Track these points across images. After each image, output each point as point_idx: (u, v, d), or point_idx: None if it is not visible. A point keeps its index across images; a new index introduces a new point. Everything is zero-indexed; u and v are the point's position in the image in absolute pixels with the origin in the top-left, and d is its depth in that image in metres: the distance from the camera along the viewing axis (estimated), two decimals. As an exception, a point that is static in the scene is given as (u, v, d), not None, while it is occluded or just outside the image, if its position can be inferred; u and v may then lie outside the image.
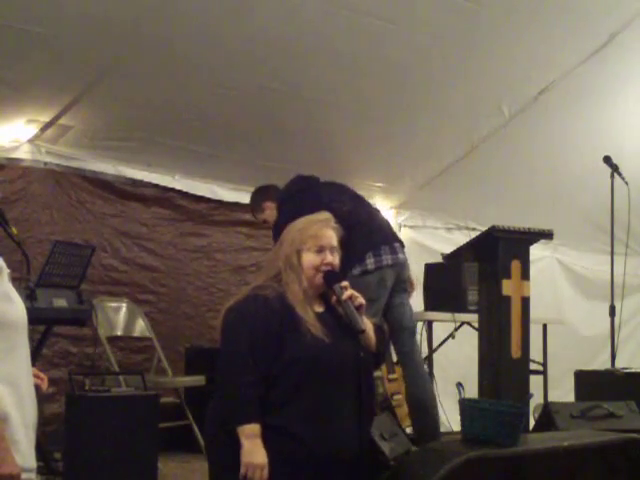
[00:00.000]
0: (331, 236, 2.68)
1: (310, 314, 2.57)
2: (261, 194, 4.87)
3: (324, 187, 4.28)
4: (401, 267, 4.26)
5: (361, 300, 2.62)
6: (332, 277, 2.63)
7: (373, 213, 4.41)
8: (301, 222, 2.71)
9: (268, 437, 2.46)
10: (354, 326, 2.56)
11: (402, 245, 4.33)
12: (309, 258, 2.62)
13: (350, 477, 2.57)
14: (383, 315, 4.27)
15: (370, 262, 4.15)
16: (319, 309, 2.65)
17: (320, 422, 2.48)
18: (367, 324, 2.66)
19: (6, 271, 2.15)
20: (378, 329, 2.77)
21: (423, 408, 4.19)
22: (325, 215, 2.77)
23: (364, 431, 2.62)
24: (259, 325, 2.52)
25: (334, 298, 2.63)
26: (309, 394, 2.49)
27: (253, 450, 2.43)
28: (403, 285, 4.29)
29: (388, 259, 4.19)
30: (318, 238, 2.65)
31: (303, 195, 3.98)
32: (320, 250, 2.64)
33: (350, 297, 2.60)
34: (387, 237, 4.27)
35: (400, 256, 4.25)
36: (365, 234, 4.18)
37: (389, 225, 4.46)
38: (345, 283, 2.62)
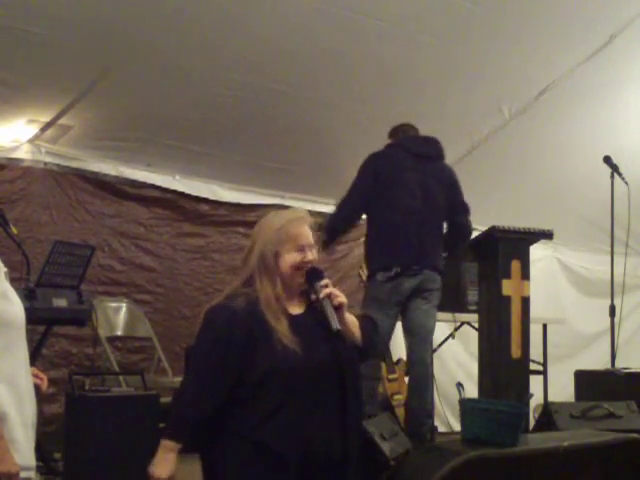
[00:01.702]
0: (309, 233, 2.57)
1: (282, 323, 2.47)
2: None
3: None
4: (424, 277, 4.24)
5: (341, 299, 2.50)
6: (313, 275, 2.53)
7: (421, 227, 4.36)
8: (278, 220, 2.58)
9: (248, 452, 2.41)
10: (330, 325, 2.45)
11: (438, 271, 4.29)
12: (288, 259, 2.51)
13: None
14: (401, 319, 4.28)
15: (395, 272, 4.16)
16: (298, 310, 2.56)
17: (302, 433, 2.41)
18: (348, 319, 2.55)
19: (3, 270, 2.15)
20: (366, 319, 2.66)
21: (416, 419, 4.17)
22: (301, 211, 2.66)
23: (349, 434, 2.51)
24: (222, 344, 2.43)
25: (313, 297, 2.53)
26: (286, 408, 2.40)
27: (160, 462, 2.43)
28: (424, 294, 4.26)
29: (411, 272, 4.19)
30: (298, 237, 2.53)
31: None
32: (300, 249, 2.53)
33: (329, 295, 2.49)
34: (420, 258, 4.23)
35: (427, 272, 4.23)
36: (402, 250, 4.19)
37: (432, 244, 4.35)
38: (325, 281, 2.52)
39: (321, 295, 2.49)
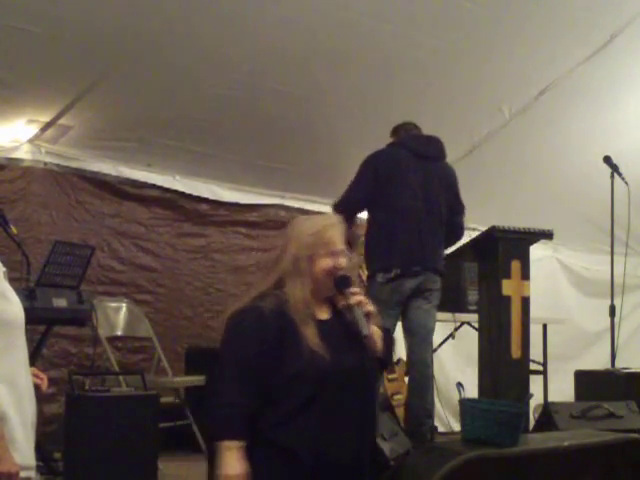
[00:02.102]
0: (342, 240, 2.61)
1: (311, 328, 2.49)
2: None
3: None
4: (425, 278, 4.24)
5: (370, 307, 2.56)
6: (343, 282, 2.57)
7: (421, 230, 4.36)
8: (313, 225, 2.61)
9: (268, 454, 2.42)
10: (360, 331, 2.51)
11: (438, 272, 4.29)
12: (322, 263, 2.55)
13: None
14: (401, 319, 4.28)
15: (394, 274, 4.15)
16: (325, 316, 2.59)
17: (321, 438, 2.43)
18: (373, 329, 2.59)
19: (2, 270, 2.15)
20: (386, 332, 2.70)
21: (416, 419, 4.17)
22: (335, 217, 2.70)
23: (366, 439, 2.56)
24: (255, 342, 2.44)
25: (343, 302, 2.57)
26: (310, 413, 2.43)
27: (229, 463, 2.37)
28: (425, 294, 4.26)
29: (411, 273, 4.18)
30: (332, 243, 2.57)
31: None
32: (333, 255, 2.57)
33: (359, 303, 2.54)
34: (421, 259, 4.22)
35: (427, 273, 4.23)
36: (402, 251, 4.19)
37: (433, 245, 4.34)
38: (356, 289, 2.57)
39: (352, 301, 2.54)
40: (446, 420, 6.27)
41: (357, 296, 2.55)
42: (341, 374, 2.47)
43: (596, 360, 6.45)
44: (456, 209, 4.44)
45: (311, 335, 2.47)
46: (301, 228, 2.62)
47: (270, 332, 2.45)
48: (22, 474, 2.00)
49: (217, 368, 2.52)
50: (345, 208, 4.26)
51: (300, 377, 2.43)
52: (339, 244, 2.59)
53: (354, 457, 2.50)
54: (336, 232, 2.60)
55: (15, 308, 2.13)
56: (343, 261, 2.58)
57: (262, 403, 2.44)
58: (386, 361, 2.68)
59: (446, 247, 4.50)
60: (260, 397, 2.43)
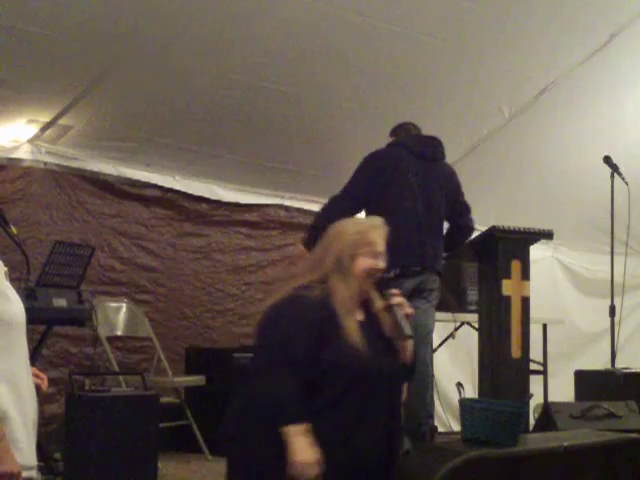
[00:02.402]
0: (383, 242, 2.67)
1: (353, 322, 2.54)
2: None
3: None
4: (424, 278, 4.23)
5: (409, 310, 2.62)
6: (385, 283, 2.66)
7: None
8: (358, 225, 2.70)
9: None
10: (401, 332, 2.55)
11: (437, 272, 4.27)
12: (363, 263, 2.59)
13: None
14: None
15: (394, 273, 4.15)
16: (359, 317, 2.62)
17: (351, 434, 2.46)
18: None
19: (4, 269, 2.15)
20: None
21: (416, 419, 4.17)
22: (379, 220, 2.74)
23: (395, 443, 2.59)
24: (303, 329, 2.48)
25: (384, 304, 2.62)
26: (343, 405, 2.46)
27: (303, 447, 2.37)
28: (424, 293, 4.25)
29: (411, 273, 4.18)
30: (375, 244, 2.63)
31: None
32: (375, 256, 2.62)
33: (400, 304, 2.60)
34: (420, 259, 4.20)
35: (426, 273, 4.23)
36: (401, 251, 4.18)
37: (432, 246, 4.31)
38: (396, 290, 2.64)
39: (394, 302, 2.59)
40: (446, 420, 6.27)
41: (399, 297, 2.61)
42: (375, 372, 2.52)
43: (596, 360, 6.45)
44: (459, 210, 4.42)
45: (353, 329, 2.52)
46: (345, 228, 2.69)
47: (314, 321, 2.50)
48: (24, 474, 2.00)
49: (260, 355, 2.54)
50: (341, 205, 4.24)
51: (338, 369, 2.47)
52: (380, 246, 2.64)
53: (381, 459, 2.54)
54: (379, 234, 2.66)
55: (16, 308, 2.13)
56: (382, 263, 2.64)
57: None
58: (412, 371, 2.73)
59: (454, 247, 4.49)
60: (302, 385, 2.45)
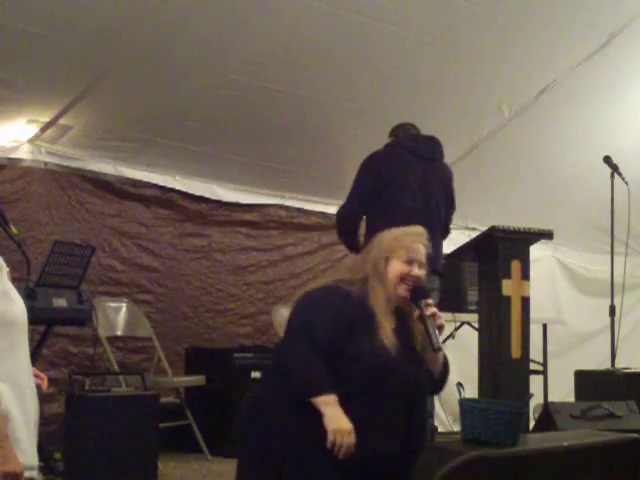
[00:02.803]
0: (422, 251, 2.70)
1: (387, 324, 2.58)
2: None
3: None
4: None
5: (442, 321, 2.65)
6: (418, 292, 2.64)
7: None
8: (397, 231, 2.75)
9: (318, 429, 2.44)
10: (432, 343, 2.57)
11: (437, 272, 4.25)
12: (396, 267, 2.64)
13: None
14: None
15: None
16: (392, 323, 2.64)
17: (366, 432, 2.47)
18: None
19: (5, 270, 2.14)
20: (444, 359, 2.77)
21: None
22: (420, 229, 2.78)
23: (411, 452, 2.58)
24: (332, 315, 2.52)
25: (417, 313, 2.63)
26: (360, 400, 2.48)
27: (337, 416, 2.42)
28: None
29: None
30: (410, 250, 2.66)
31: None
32: (409, 262, 2.65)
33: (434, 315, 2.62)
34: None
35: (428, 275, 4.20)
36: None
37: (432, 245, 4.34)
38: (430, 301, 2.65)
39: (428, 312, 2.61)
40: (446, 420, 6.27)
41: (433, 308, 2.63)
42: (399, 376, 2.54)
43: (595, 360, 6.46)
44: (450, 208, 4.46)
45: (387, 329, 2.56)
46: (385, 234, 2.76)
47: (345, 314, 2.54)
48: (25, 474, 2.00)
49: (288, 334, 2.57)
50: (351, 214, 4.29)
51: (365, 363, 2.49)
52: (416, 253, 2.67)
53: (391, 463, 2.53)
54: (416, 241, 2.70)
55: (18, 308, 2.13)
56: (418, 270, 2.66)
57: None
58: (439, 385, 2.75)
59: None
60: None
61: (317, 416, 2.43)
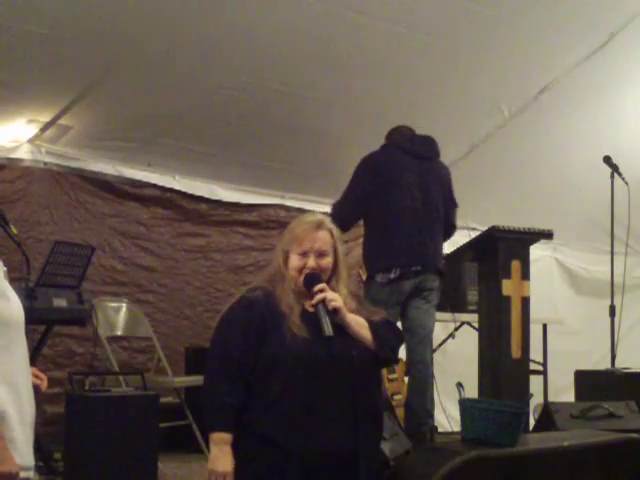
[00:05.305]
0: (318, 239, 2.61)
1: (294, 313, 2.52)
2: None
3: None
4: (424, 278, 4.22)
5: (335, 303, 2.53)
6: (310, 280, 2.58)
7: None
8: (293, 223, 2.69)
9: (252, 446, 2.43)
10: (322, 330, 2.48)
11: (437, 272, 4.28)
12: (292, 262, 2.62)
13: None
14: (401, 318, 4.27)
15: (393, 274, 4.14)
16: (312, 308, 2.58)
17: (304, 427, 2.40)
18: (353, 320, 2.57)
19: (3, 269, 2.15)
20: (385, 323, 2.67)
21: (416, 419, 4.17)
22: (317, 217, 2.70)
23: (362, 434, 2.47)
24: (240, 327, 2.50)
25: (310, 303, 2.57)
26: (290, 397, 2.41)
27: (217, 457, 2.40)
28: (424, 293, 4.25)
29: (411, 273, 4.17)
30: (303, 241, 2.60)
31: None
32: (303, 254, 2.60)
33: (322, 301, 2.53)
34: (420, 258, 4.21)
35: (427, 274, 4.22)
36: (401, 251, 4.18)
37: (432, 245, 4.32)
38: (321, 286, 2.55)
39: (314, 301, 2.54)
40: (446, 420, 6.27)
41: (320, 294, 2.54)
42: (320, 361, 2.46)
43: (595, 360, 6.46)
44: (450, 207, 4.45)
45: (294, 318, 2.51)
46: (290, 226, 2.70)
47: (254, 320, 2.51)
48: (21, 474, 2.00)
49: (208, 362, 2.56)
50: (344, 211, 4.27)
51: (277, 360, 2.45)
52: (309, 243, 2.60)
53: (347, 449, 2.44)
54: (310, 231, 2.62)
55: (15, 308, 2.13)
56: (312, 261, 2.60)
57: (248, 395, 2.46)
58: (380, 353, 2.58)
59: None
60: (247, 389, 2.46)
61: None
